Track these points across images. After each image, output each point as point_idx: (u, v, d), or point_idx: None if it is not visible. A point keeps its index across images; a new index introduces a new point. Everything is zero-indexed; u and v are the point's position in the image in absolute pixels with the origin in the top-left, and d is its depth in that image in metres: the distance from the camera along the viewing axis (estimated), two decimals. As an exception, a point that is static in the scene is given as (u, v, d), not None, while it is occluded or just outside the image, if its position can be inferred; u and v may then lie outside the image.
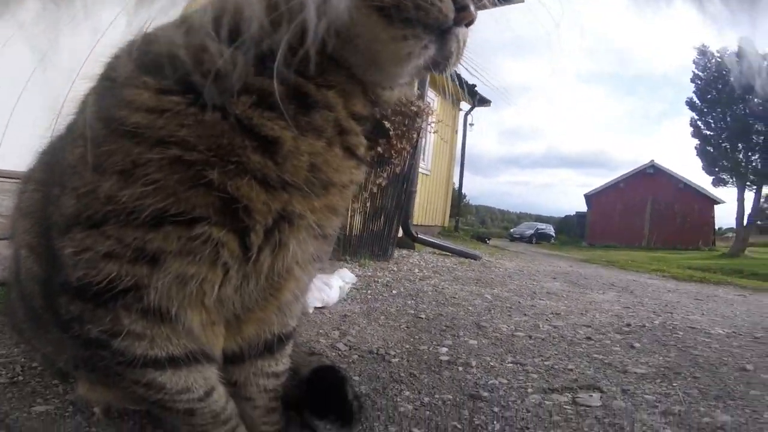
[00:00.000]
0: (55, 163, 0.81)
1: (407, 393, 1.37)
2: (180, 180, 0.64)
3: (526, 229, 31.56)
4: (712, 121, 22.15)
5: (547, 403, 1.36)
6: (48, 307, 0.83)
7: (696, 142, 22.45)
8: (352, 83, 0.70)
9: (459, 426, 1.18)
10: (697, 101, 22.43)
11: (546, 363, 1.73)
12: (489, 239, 13.79)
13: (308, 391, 1.09)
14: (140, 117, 0.63)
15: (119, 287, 0.69)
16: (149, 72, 0.65)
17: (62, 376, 1.14)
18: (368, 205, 4.29)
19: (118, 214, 0.65)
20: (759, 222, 23.36)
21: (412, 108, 4.12)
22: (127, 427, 1.03)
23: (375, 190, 4.25)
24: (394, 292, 3.00)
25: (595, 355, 1.87)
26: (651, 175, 27.42)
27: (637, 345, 2.05)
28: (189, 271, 0.69)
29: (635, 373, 1.66)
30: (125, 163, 0.64)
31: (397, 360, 1.66)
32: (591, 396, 1.42)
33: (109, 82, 0.70)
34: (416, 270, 4.15)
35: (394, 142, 4.06)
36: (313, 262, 0.84)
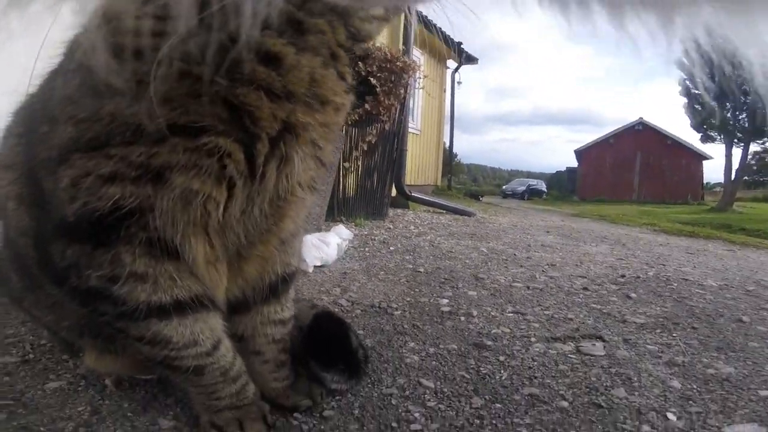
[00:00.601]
0: (37, 109, 0.79)
1: (412, 344, 1.39)
2: (187, 92, 0.65)
3: (518, 185, 31.72)
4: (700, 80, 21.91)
5: (551, 352, 1.39)
6: (43, 261, 0.80)
7: (684, 100, 22.41)
8: (333, 14, 0.74)
9: (467, 375, 1.21)
10: (686, 61, 22.17)
11: (546, 312, 1.76)
12: (482, 196, 13.89)
13: (311, 340, 1.09)
14: (146, 41, 0.62)
15: (123, 210, 0.68)
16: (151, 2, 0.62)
17: (68, 348, 1.12)
18: (360, 163, 4.25)
19: (123, 132, 0.65)
20: (746, 177, 23.64)
21: (398, 64, 4.05)
22: (139, 397, 1.03)
23: (366, 148, 4.21)
24: (391, 248, 3.02)
25: (593, 305, 1.91)
26: (640, 132, 27.50)
27: (633, 295, 2.10)
28: (194, 187, 0.69)
29: (635, 322, 1.70)
30: (130, 82, 0.63)
31: (399, 313, 1.68)
32: (594, 345, 1.45)
33: (104, 19, 0.65)
34: (412, 227, 4.16)
35: (382, 98, 4.01)
36: (312, 191, 0.86)
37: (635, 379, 1.23)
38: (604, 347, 1.44)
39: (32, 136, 0.78)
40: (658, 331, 1.62)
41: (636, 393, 1.15)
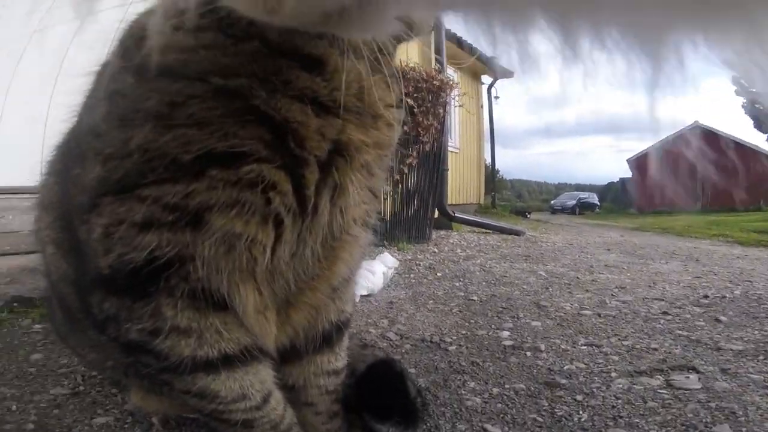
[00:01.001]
0: (71, 145, 0.75)
1: (472, 384, 1.26)
2: (224, 112, 0.57)
3: (568, 199, 30.76)
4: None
5: (637, 387, 1.23)
6: (84, 309, 0.76)
7: (742, 100, 21.31)
8: None
9: (539, 419, 1.07)
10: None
11: (624, 343, 1.59)
12: (529, 213, 13.51)
13: (366, 389, 1.01)
14: (177, 55, 0.57)
15: (161, 261, 0.61)
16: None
17: (117, 382, 1.12)
18: (401, 186, 4.18)
19: (156, 168, 0.58)
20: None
21: (434, 82, 4.01)
22: None
23: (406, 170, 4.14)
24: (438, 274, 2.89)
25: (678, 332, 1.72)
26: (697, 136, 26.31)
27: (723, 318, 1.89)
28: (237, 229, 0.61)
29: (731, 349, 1.51)
30: (162, 104, 0.57)
31: (454, 348, 1.55)
32: (687, 378, 1.28)
33: (132, 39, 0.62)
34: (458, 250, 4.02)
35: (420, 119, 3.96)
36: (366, 228, 0.78)
37: (740, 413, 1.08)
38: (699, 379, 1.28)
39: (67, 175, 0.74)
40: (761, 357, 1.44)
41: (743, 429, 1.02)
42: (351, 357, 1.03)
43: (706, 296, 2.32)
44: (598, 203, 31.08)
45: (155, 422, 1.04)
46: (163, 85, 0.57)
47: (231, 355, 0.71)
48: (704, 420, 1.05)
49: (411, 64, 3.94)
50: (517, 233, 5.65)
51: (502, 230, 5.77)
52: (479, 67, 9.83)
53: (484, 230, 5.78)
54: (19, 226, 2.56)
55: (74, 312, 0.84)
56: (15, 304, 1.80)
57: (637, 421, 1.05)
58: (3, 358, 1.39)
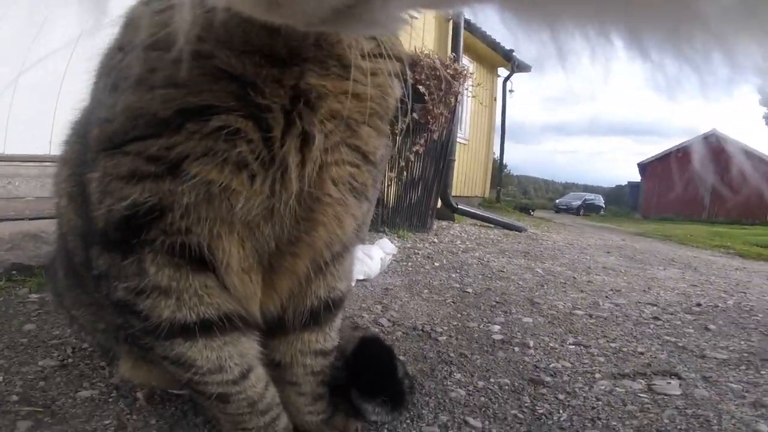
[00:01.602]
0: (88, 111, 0.81)
1: (458, 375, 1.31)
2: (196, 73, 0.63)
3: (573, 199, 30.65)
4: (783, 87, 20.60)
5: (618, 390, 1.27)
6: (86, 263, 0.80)
7: (764, 110, 21.05)
8: None
9: (520, 415, 1.11)
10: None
11: (612, 345, 1.63)
12: (533, 210, 13.50)
13: (355, 367, 1.04)
14: (152, 30, 0.62)
15: (142, 209, 0.67)
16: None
17: (106, 353, 1.13)
18: (405, 173, 4.19)
19: (139, 125, 0.65)
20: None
21: (448, 71, 3.99)
22: (168, 414, 1.01)
23: (412, 158, 4.15)
24: (436, 264, 2.93)
25: (666, 337, 1.76)
26: (713, 144, 25.92)
27: (712, 327, 1.93)
28: (212, 176, 0.66)
29: (715, 358, 1.55)
30: (143, 70, 0.64)
31: (444, 338, 1.59)
32: (669, 383, 1.32)
33: (125, 24, 0.71)
34: (458, 242, 4.06)
35: (431, 107, 3.95)
36: (355, 194, 0.77)
37: (715, 422, 1.12)
38: (680, 385, 1.32)
39: (83, 135, 0.79)
40: (743, 368, 1.48)
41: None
42: (342, 338, 1.05)
43: (698, 304, 2.36)
44: (604, 205, 30.97)
45: (140, 397, 1.05)
46: (144, 55, 0.63)
47: (209, 320, 0.73)
48: (679, 426, 1.09)
49: (426, 51, 3.93)
50: (519, 229, 5.67)
51: (504, 225, 5.79)
52: (496, 59, 9.76)
53: (485, 224, 5.80)
54: (25, 192, 2.62)
55: (77, 267, 0.87)
56: (14, 272, 1.82)
57: (615, 423, 1.09)
58: (-4, 327, 1.41)
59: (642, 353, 1.56)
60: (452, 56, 5.53)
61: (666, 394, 1.26)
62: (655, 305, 2.28)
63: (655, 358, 1.53)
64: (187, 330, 0.73)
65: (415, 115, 3.96)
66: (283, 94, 0.66)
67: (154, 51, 0.62)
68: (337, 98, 0.69)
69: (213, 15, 0.58)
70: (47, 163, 2.72)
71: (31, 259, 1.84)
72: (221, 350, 0.75)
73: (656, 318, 2.03)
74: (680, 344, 1.68)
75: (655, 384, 1.31)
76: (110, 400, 1.06)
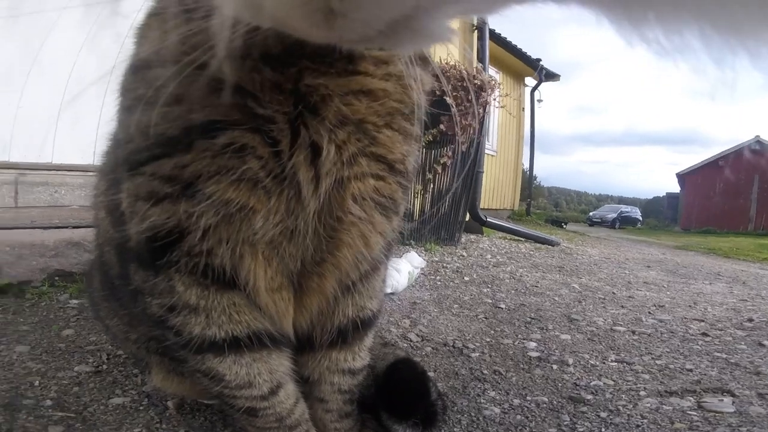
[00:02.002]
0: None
1: (492, 393, 1.26)
2: (197, 86, 0.58)
3: (608, 212, 29.98)
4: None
5: (665, 407, 1.21)
6: (122, 275, 0.80)
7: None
8: None
9: (559, 434, 1.07)
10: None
11: (658, 362, 1.56)
12: (566, 223, 13.25)
13: (385, 387, 1.01)
14: (151, 46, 0.62)
15: (162, 231, 0.66)
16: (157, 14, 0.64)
17: (138, 361, 1.14)
18: (433, 185, 4.18)
19: (151, 146, 0.64)
20: None
21: (476, 82, 3.98)
22: (197, 425, 1.02)
23: (439, 170, 4.13)
24: (466, 279, 2.88)
25: (717, 354, 1.67)
26: (757, 152, 24.97)
27: (766, 343, 1.83)
28: (227, 195, 0.63)
29: (772, 376, 1.46)
30: (148, 91, 0.62)
31: (477, 354, 1.55)
32: (721, 401, 1.25)
33: (135, 38, 0.69)
34: (488, 256, 3.99)
35: (458, 118, 3.93)
36: (381, 209, 0.72)
37: None
38: (734, 402, 1.25)
39: (114, 149, 0.80)
40: (803, 386, 1.39)
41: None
42: (374, 355, 1.04)
43: (750, 320, 2.25)
44: (641, 218, 30.21)
45: (170, 406, 1.07)
46: (145, 74, 0.63)
47: (238, 338, 0.73)
48: (733, 445, 1.03)
49: (451, 62, 3.93)
50: (552, 243, 5.55)
51: (535, 239, 5.68)
52: (523, 68, 9.72)
53: (516, 238, 5.71)
54: (69, 201, 2.74)
55: (113, 278, 0.88)
56: (56, 278, 1.89)
57: (663, 442, 1.04)
58: (37, 332, 1.46)
59: (690, 370, 1.49)
60: (479, 66, 5.53)
61: (718, 412, 1.19)
62: (703, 321, 2.19)
63: (705, 375, 1.46)
64: (217, 346, 0.73)
65: (442, 126, 3.96)
66: (284, 101, 0.61)
67: (153, 68, 0.61)
68: (345, 99, 0.63)
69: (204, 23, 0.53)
70: (91, 173, 2.84)
71: (73, 266, 1.92)
72: (250, 366, 0.75)
73: (704, 334, 1.94)
74: (732, 361, 1.60)
75: (705, 401, 1.24)
76: (141, 408, 1.07)
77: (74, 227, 2.12)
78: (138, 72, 0.65)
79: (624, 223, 27.31)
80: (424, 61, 0.71)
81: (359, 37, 0.37)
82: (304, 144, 0.63)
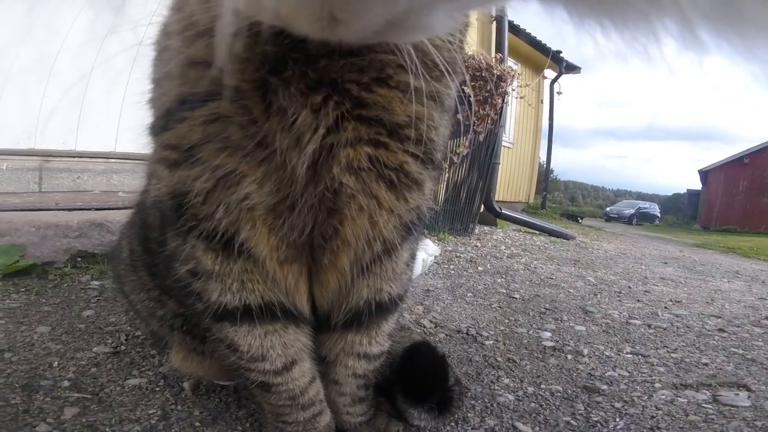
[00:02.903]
0: None
1: (506, 381, 1.28)
2: (179, 62, 0.62)
3: (626, 207, 29.69)
4: None
5: (680, 400, 1.22)
6: (162, 242, 0.81)
7: None
8: None
9: (573, 422, 1.08)
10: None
11: (673, 355, 1.56)
12: (581, 218, 13.15)
13: (402, 371, 1.01)
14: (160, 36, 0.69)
15: (168, 197, 0.71)
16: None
17: (158, 341, 1.16)
18: (448, 175, 4.18)
19: (158, 118, 0.70)
20: None
21: (494, 72, 3.95)
22: (212, 406, 1.04)
23: (455, 159, 4.13)
24: (480, 268, 2.89)
25: (733, 349, 1.67)
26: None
27: (785, 341, 1.82)
28: (217, 161, 0.65)
29: (789, 372, 1.46)
30: (156, 71, 0.70)
31: (491, 342, 1.57)
32: (737, 395, 1.26)
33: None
34: (502, 247, 3.99)
35: (476, 108, 3.92)
36: (388, 182, 0.69)
37: None
38: (749, 397, 1.26)
39: None
40: (822, 383, 1.39)
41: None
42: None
43: (768, 318, 2.24)
44: (659, 215, 29.82)
45: (186, 387, 1.09)
46: (153, 57, 0.70)
47: (251, 307, 0.75)
48: (747, 438, 1.04)
49: (470, 52, 3.91)
50: (567, 237, 5.53)
51: (550, 232, 5.66)
52: (542, 60, 9.61)
53: (530, 230, 5.69)
54: (92, 186, 2.81)
55: (150, 243, 0.89)
56: (79, 259, 1.94)
57: (676, 434, 1.05)
58: (58, 312, 1.50)
59: (706, 364, 1.49)
60: (498, 56, 5.49)
61: (733, 405, 1.20)
62: (720, 317, 2.18)
63: (721, 369, 1.46)
64: (233, 314, 0.75)
65: (459, 116, 3.95)
66: (245, 69, 0.60)
67: (161, 48, 0.68)
68: (313, 60, 0.60)
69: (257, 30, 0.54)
70: (113, 160, 2.93)
71: (95, 246, 1.97)
72: (264, 339, 0.77)
73: (721, 330, 1.94)
74: (749, 357, 1.60)
75: (721, 395, 1.25)
76: (157, 389, 1.09)
77: (97, 209, 2.18)
78: (159, 54, 0.71)
79: (641, 219, 27.03)
80: None
81: (358, 37, 0.39)
82: (276, 110, 0.62)
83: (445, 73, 0.63)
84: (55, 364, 1.17)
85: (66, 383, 1.08)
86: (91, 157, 2.86)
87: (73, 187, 2.76)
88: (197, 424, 0.97)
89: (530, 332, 1.72)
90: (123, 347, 1.30)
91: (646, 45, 0.33)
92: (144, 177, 0.91)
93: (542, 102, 10.78)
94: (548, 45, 9.12)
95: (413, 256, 0.88)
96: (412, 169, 0.69)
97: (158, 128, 0.71)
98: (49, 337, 1.32)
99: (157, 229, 0.83)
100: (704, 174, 28.75)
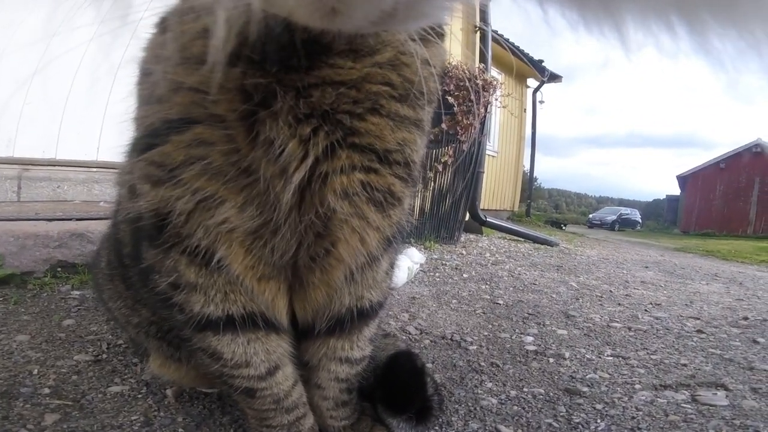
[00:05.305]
0: None
1: (489, 384, 1.29)
2: (165, 86, 0.62)
3: (608, 214, 30.07)
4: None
5: (660, 400, 1.23)
6: (134, 255, 0.82)
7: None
8: None
9: (555, 424, 1.09)
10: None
11: (653, 357, 1.58)
12: (565, 225, 13.29)
13: (383, 380, 1.02)
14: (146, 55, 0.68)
15: (150, 214, 0.70)
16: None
17: (137, 348, 1.15)
18: (433, 184, 4.20)
19: (141, 136, 0.69)
20: None
21: (477, 82, 4.00)
22: (195, 413, 1.03)
23: (440, 168, 4.16)
24: (465, 275, 2.90)
25: (711, 350, 1.69)
26: (758, 155, 24.86)
27: (761, 340, 1.86)
28: (197, 185, 0.65)
29: (765, 370, 1.49)
30: (141, 91, 0.69)
31: (474, 348, 1.57)
32: (715, 394, 1.27)
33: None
34: (487, 254, 4.02)
35: (460, 117, 3.96)
36: (376, 205, 0.70)
37: None
38: (727, 396, 1.27)
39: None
40: (796, 381, 1.41)
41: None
42: (375, 346, 1.05)
43: (745, 318, 2.27)
44: (640, 220, 30.26)
45: (169, 394, 1.08)
46: (140, 76, 0.69)
47: (233, 317, 0.75)
48: (726, 437, 1.05)
49: (453, 62, 3.95)
50: (550, 244, 5.58)
51: (534, 239, 5.71)
52: (525, 69, 9.74)
53: (515, 238, 5.74)
54: (72, 196, 2.76)
55: (123, 257, 0.89)
56: (59, 269, 1.91)
57: (656, 434, 1.06)
58: (38, 321, 1.48)
59: (685, 365, 1.51)
60: (481, 66, 5.56)
61: (712, 405, 1.21)
62: (698, 319, 2.21)
63: (700, 369, 1.48)
64: (214, 324, 0.75)
65: (443, 125, 3.98)
66: (231, 99, 0.61)
67: (143, 73, 0.67)
68: (305, 92, 0.61)
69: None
70: (94, 169, 2.88)
71: (75, 257, 1.94)
72: (247, 346, 0.77)
73: (700, 331, 1.97)
74: (726, 356, 1.62)
75: (699, 395, 1.26)
76: (139, 396, 1.08)
77: (78, 219, 2.15)
78: (143, 76, 0.70)
79: (623, 225, 27.39)
80: (439, 36, 0.68)
81: (356, 27, 0.39)
82: (262, 141, 0.62)
83: (427, 101, 0.68)
84: (35, 371, 1.15)
85: (46, 390, 1.07)
86: (71, 166, 2.82)
87: (53, 196, 2.71)
88: (180, 430, 0.96)
89: (513, 337, 1.72)
90: (104, 355, 1.28)
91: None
92: (117, 192, 0.90)
93: (525, 111, 10.91)
94: (531, 54, 9.27)
95: (392, 265, 0.91)
96: (397, 189, 0.72)
97: (142, 146, 0.69)
98: (28, 345, 1.30)
99: (128, 244, 0.83)
100: (683, 179, 29.23)
